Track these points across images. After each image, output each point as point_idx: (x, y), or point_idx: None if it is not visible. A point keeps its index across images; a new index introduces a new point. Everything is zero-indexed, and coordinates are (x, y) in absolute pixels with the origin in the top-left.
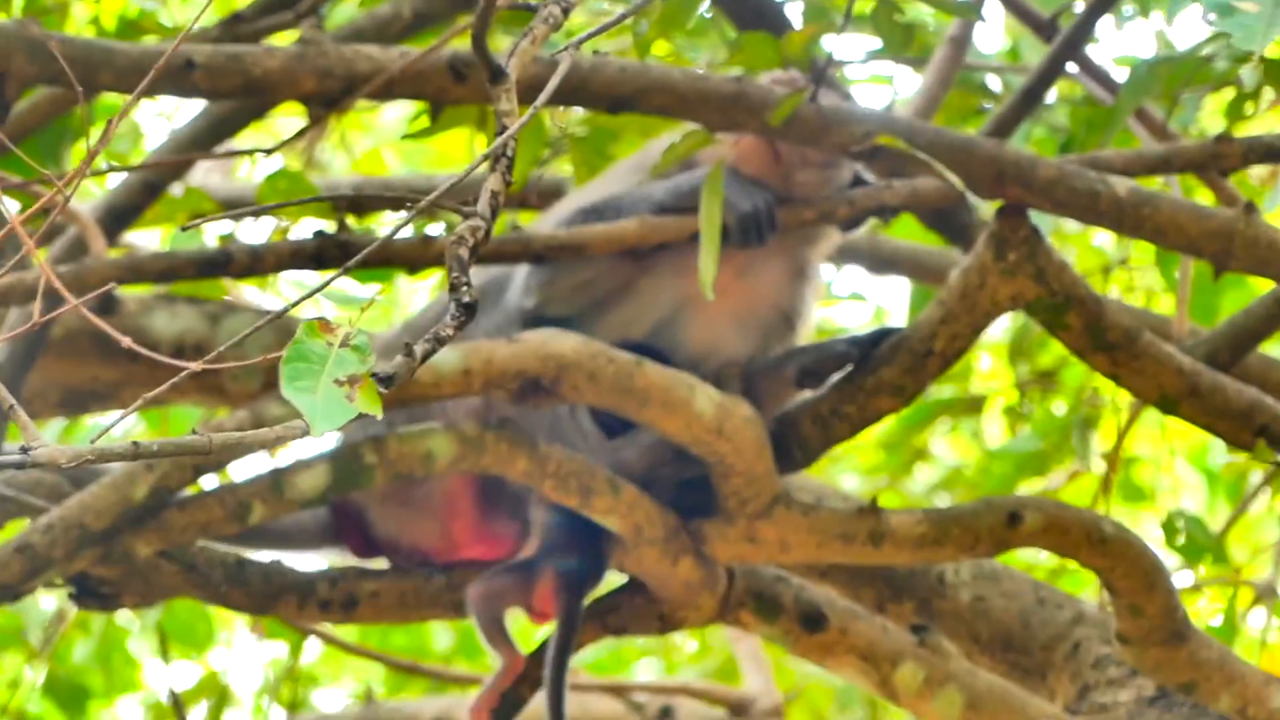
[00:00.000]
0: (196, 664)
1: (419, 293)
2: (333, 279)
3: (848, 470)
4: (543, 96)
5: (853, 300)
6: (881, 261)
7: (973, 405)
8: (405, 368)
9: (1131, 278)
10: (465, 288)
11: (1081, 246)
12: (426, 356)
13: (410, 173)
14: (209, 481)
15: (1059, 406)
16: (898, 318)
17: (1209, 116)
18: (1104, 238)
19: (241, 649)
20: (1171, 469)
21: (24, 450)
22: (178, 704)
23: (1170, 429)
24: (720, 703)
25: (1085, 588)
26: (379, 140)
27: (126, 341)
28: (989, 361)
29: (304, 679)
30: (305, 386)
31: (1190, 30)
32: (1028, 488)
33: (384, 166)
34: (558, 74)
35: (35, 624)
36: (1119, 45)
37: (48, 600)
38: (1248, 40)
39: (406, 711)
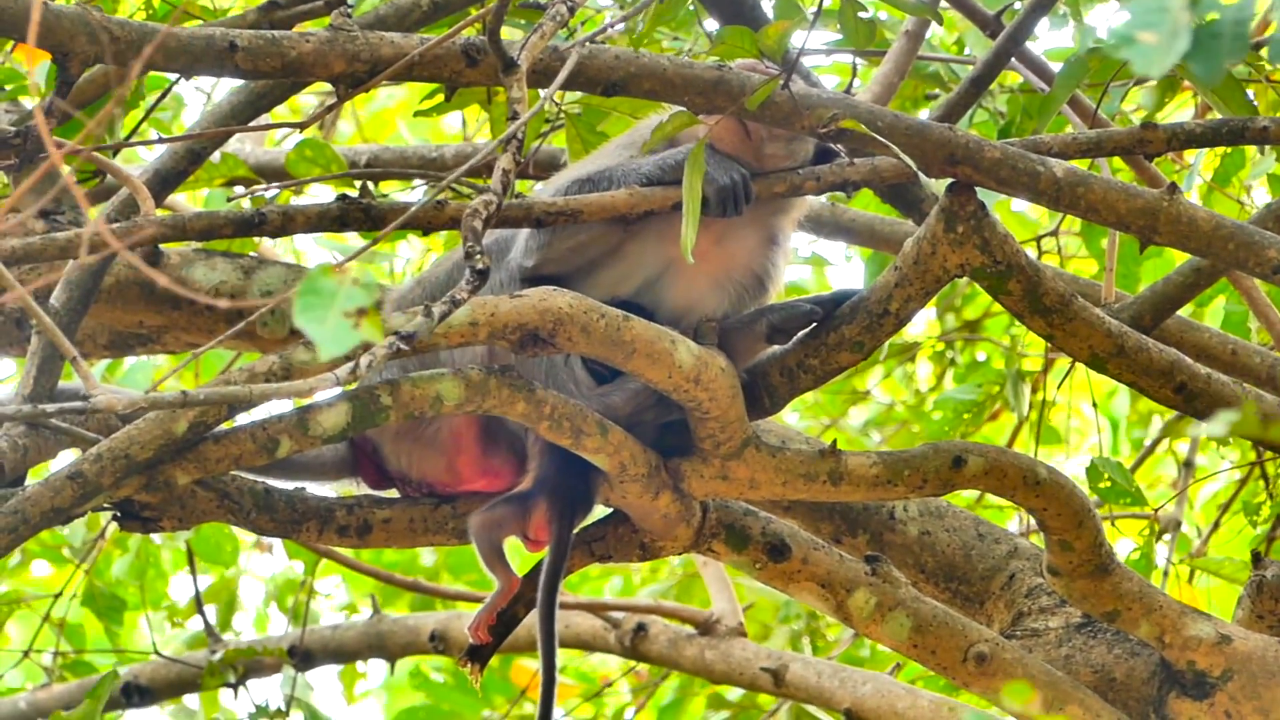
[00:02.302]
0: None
1: (417, 247)
2: (370, 245)
3: (792, 409)
4: (553, 87)
5: (814, 264)
6: (841, 230)
7: (906, 352)
8: (425, 327)
9: (1054, 243)
10: (479, 255)
11: (1002, 211)
12: (444, 316)
13: (420, 143)
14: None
15: (980, 355)
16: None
17: (1129, 103)
18: (1023, 205)
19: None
20: (1082, 416)
21: (85, 397)
22: (200, 606)
23: (1079, 381)
24: (689, 621)
25: (1009, 518)
26: (389, 109)
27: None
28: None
29: (312, 591)
30: (317, 316)
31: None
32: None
33: (395, 129)
34: (566, 68)
35: (78, 542)
36: (1052, 40)
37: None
38: (1146, 67)
39: (409, 624)
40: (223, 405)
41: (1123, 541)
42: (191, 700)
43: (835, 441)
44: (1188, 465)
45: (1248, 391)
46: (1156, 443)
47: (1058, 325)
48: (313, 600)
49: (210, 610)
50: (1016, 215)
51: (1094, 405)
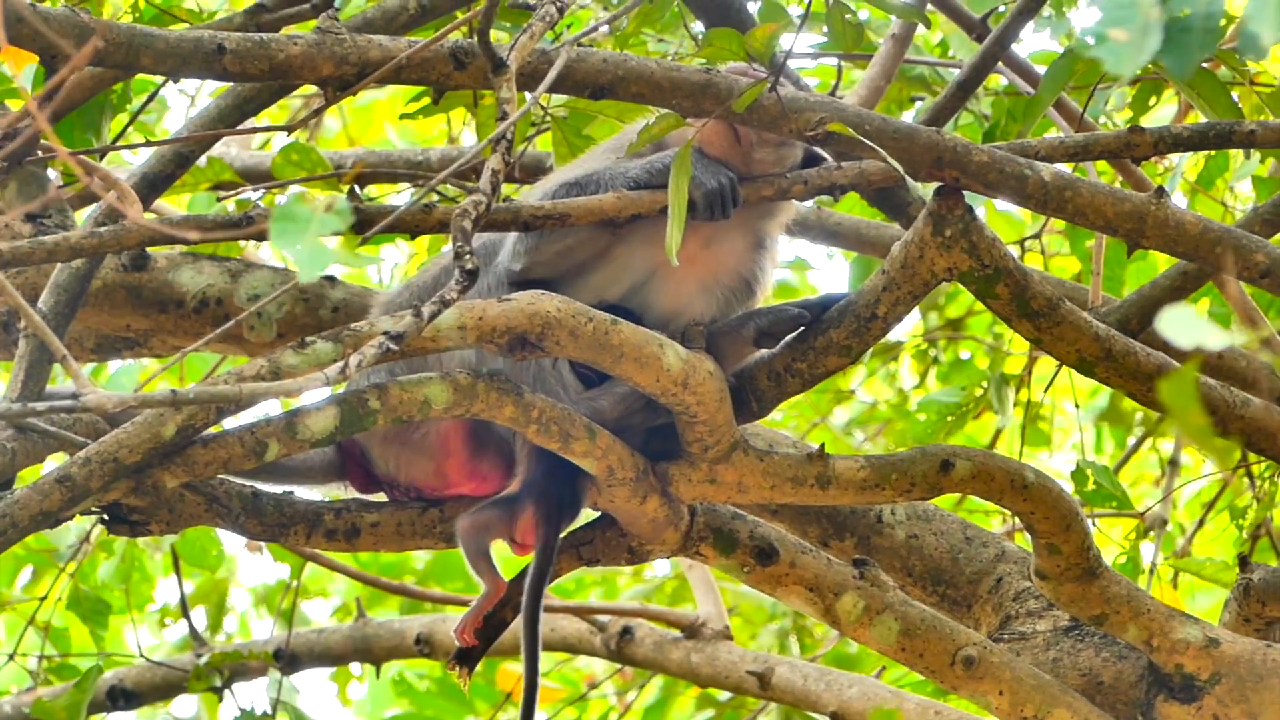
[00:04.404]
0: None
1: (404, 251)
2: (357, 247)
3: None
4: (542, 87)
5: (798, 267)
6: (827, 233)
7: (889, 351)
8: (414, 327)
9: (1036, 243)
10: (468, 256)
11: (988, 211)
12: (433, 317)
13: (407, 146)
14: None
15: (964, 353)
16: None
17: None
18: (1010, 205)
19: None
20: (1065, 413)
21: (75, 397)
22: (185, 608)
23: (1062, 381)
24: (675, 625)
25: (994, 518)
26: (377, 103)
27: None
28: None
29: (300, 592)
30: (291, 239)
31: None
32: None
33: (382, 131)
34: (555, 68)
35: (66, 546)
36: (1036, 43)
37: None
38: (1118, 66)
39: (394, 628)
40: (212, 406)
41: (1108, 544)
42: (181, 708)
43: (823, 445)
44: (1173, 464)
45: (1234, 395)
46: (1139, 443)
47: (1045, 329)
48: (305, 600)
49: (199, 612)
50: (1003, 215)
51: (1076, 406)
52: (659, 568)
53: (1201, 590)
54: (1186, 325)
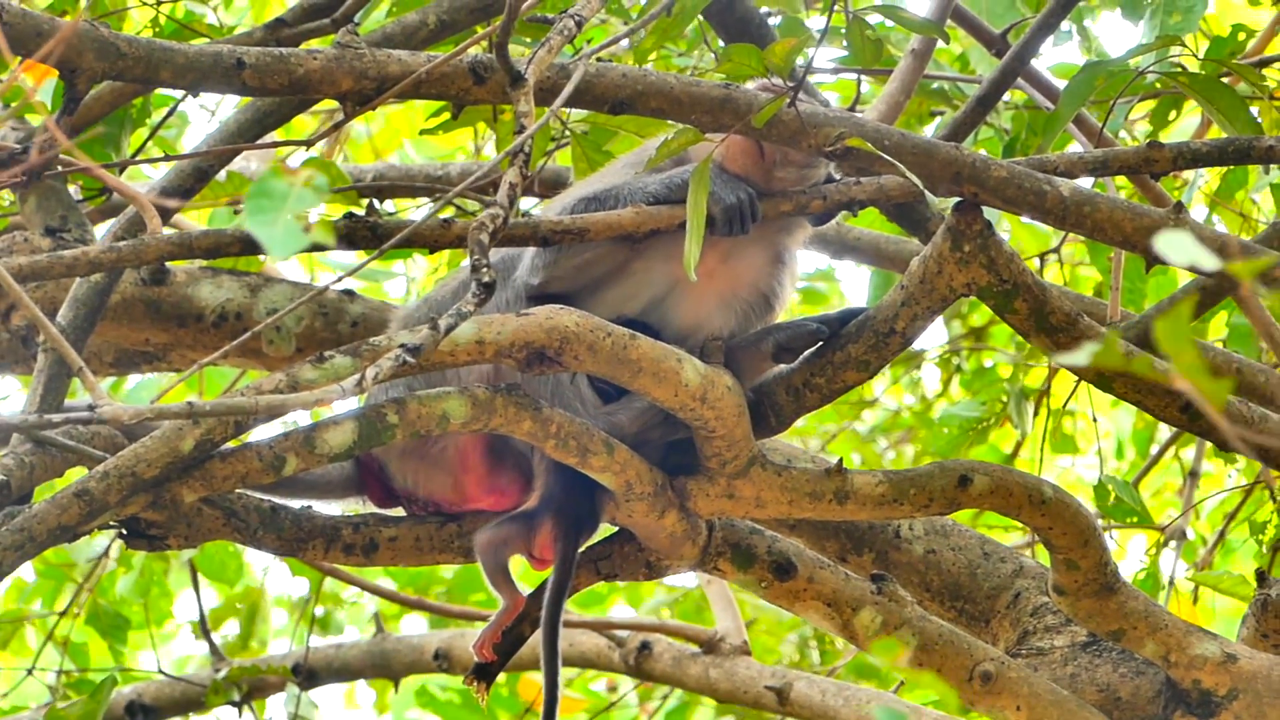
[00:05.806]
0: (225, 596)
1: (423, 266)
2: (371, 259)
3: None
4: (559, 101)
5: (821, 279)
6: (846, 248)
7: (912, 360)
8: (431, 340)
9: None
10: (485, 269)
11: (1013, 223)
12: (450, 330)
13: (425, 161)
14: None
15: (987, 361)
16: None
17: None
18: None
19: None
20: (1089, 420)
21: (91, 408)
22: (204, 624)
23: (1083, 391)
24: (693, 640)
25: (1012, 533)
26: (396, 127)
27: None
28: None
29: (327, 599)
30: (267, 219)
31: (1118, 43)
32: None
33: (400, 147)
34: (573, 81)
35: (83, 561)
36: (1056, 55)
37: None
38: None
39: (413, 643)
40: (230, 422)
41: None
42: None
43: (841, 460)
44: (1193, 475)
45: (1252, 410)
46: (1160, 454)
47: (1063, 344)
48: (338, 609)
49: (230, 624)
50: (1027, 227)
51: (1094, 420)
52: (686, 579)
53: (1222, 597)
54: (1182, 246)
